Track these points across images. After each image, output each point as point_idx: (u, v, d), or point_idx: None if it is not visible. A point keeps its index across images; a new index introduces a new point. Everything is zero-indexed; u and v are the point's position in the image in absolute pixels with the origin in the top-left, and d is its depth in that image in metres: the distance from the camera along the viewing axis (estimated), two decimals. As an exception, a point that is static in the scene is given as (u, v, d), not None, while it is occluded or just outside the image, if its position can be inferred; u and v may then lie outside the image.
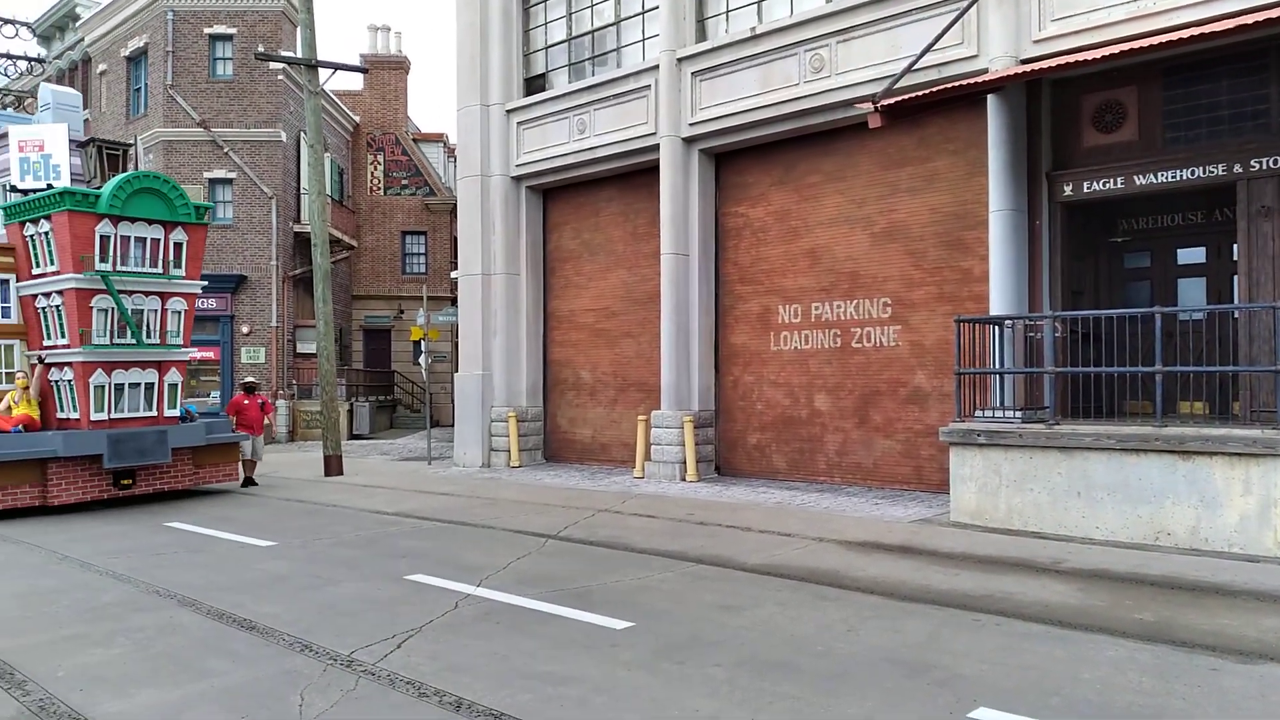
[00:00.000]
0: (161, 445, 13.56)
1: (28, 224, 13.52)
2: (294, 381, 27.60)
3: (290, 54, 24.38)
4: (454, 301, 25.09)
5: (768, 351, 14.97)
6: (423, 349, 20.25)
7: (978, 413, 10.80)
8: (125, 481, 13.57)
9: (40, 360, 13.55)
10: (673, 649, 5.94)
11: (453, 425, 19.70)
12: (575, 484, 14.95)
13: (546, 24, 17.82)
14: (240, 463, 15.49)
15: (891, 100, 11.25)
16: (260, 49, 25.27)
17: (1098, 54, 9.75)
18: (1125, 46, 9.63)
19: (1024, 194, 11.82)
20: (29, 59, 26.69)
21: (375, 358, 33.14)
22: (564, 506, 12.39)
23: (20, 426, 12.97)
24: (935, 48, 11.65)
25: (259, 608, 7.20)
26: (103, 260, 13.17)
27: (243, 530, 11.00)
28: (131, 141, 24.13)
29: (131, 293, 13.59)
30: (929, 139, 13.11)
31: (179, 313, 14.26)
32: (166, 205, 13.80)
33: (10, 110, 24.87)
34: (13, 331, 13.84)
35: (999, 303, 11.69)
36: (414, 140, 34.41)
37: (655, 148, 15.55)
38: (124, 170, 14.49)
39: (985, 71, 11.51)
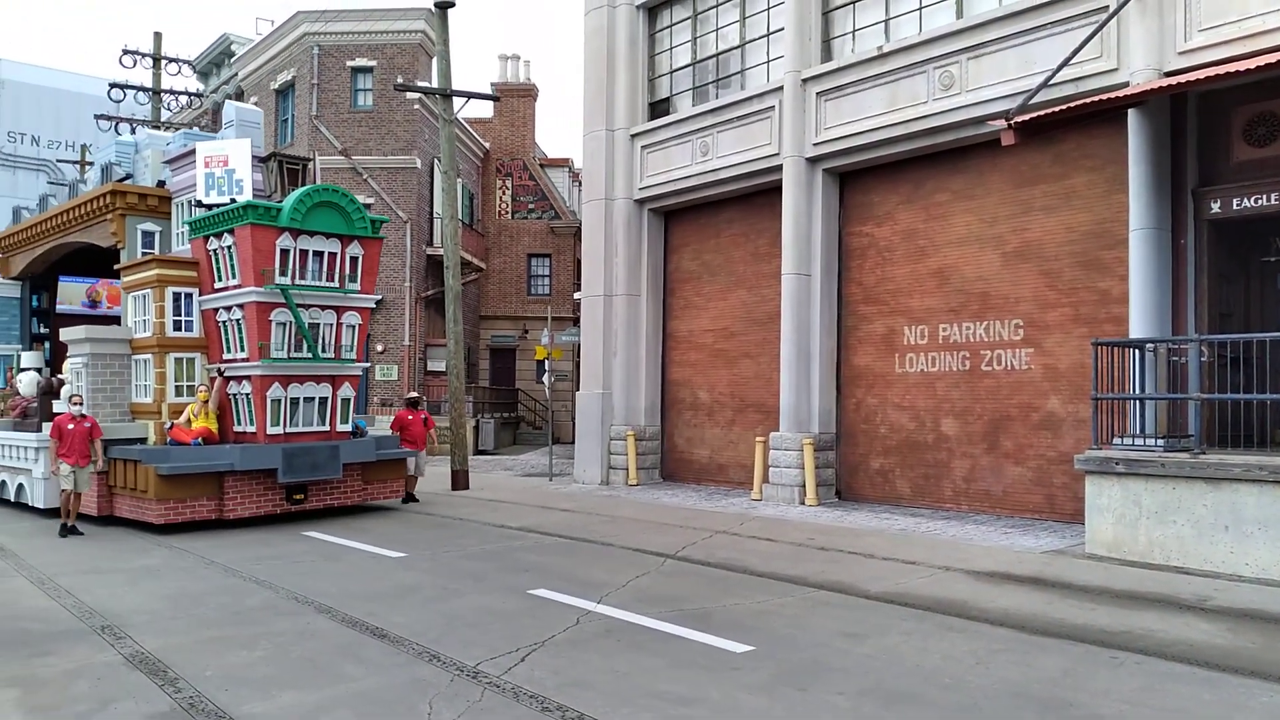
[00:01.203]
0: (334, 460, 13.39)
1: (211, 238, 13.52)
2: (424, 398, 28.48)
3: (426, 84, 25.35)
4: (576, 322, 25.53)
5: (892, 374, 14.68)
6: (546, 368, 20.65)
7: (1116, 440, 10.33)
8: (298, 496, 13.37)
9: (219, 373, 13.50)
10: (794, 674, 5.89)
11: (573, 442, 20.01)
12: (692, 504, 14.96)
13: (671, 49, 18.04)
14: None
15: (1026, 117, 10.93)
16: (398, 80, 26.40)
17: (1252, 64, 9.24)
18: (1281, 56, 9.11)
19: (1167, 212, 11.28)
20: (189, 94, 28.65)
21: (500, 376, 33.98)
22: (682, 526, 12.42)
23: (199, 439, 12.91)
24: (1072, 62, 11.29)
25: (390, 617, 7.47)
26: (282, 274, 13.01)
27: (375, 541, 11.43)
28: (310, 156, 25.13)
29: (309, 306, 13.40)
30: (1065, 155, 12.68)
31: (353, 327, 14.10)
32: (344, 219, 13.60)
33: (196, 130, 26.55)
34: (194, 344, 13.88)
35: (1139, 325, 11.16)
36: (540, 165, 35.28)
37: (778, 168, 15.51)
38: (302, 185, 14.35)
39: (1125, 85, 11.06)
